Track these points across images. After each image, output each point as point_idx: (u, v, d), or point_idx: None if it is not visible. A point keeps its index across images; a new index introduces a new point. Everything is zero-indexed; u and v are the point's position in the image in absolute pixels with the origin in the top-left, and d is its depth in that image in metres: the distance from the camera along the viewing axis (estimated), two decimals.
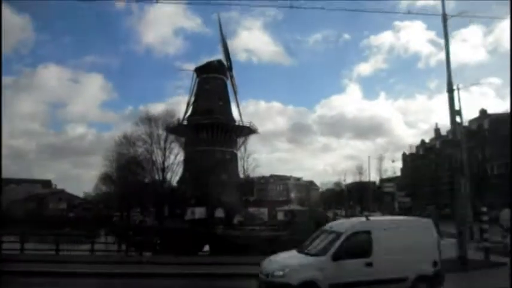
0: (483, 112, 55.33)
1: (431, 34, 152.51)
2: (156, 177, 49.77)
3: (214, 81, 61.62)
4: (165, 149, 49.87)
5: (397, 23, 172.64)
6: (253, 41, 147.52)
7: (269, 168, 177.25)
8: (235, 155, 62.25)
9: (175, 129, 57.39)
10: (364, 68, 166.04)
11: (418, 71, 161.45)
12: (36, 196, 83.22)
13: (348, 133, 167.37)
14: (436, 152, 67.73)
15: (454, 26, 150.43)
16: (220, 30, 61.41)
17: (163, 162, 50.09)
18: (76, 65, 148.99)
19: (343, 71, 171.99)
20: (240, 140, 63.53)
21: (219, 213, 44.84)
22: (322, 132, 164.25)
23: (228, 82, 63.65)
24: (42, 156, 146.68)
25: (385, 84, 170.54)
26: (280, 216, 44.03)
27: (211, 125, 57.96)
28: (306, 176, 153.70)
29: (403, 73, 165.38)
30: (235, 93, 63.42)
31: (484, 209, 14.44)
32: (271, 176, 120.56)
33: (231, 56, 63.10)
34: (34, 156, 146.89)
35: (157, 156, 49.63)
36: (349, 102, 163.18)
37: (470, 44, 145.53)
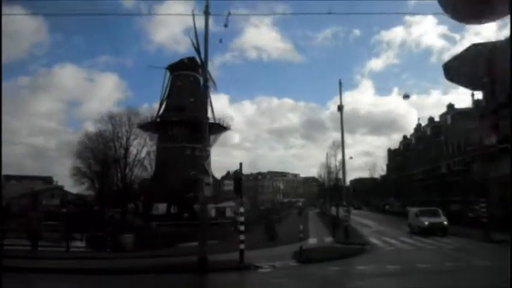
0: (450, 106, 54.02)
1: (443, 28, 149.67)
2: (119, 174, 51.05)
3: (186, 78, 62.59)
4: (126, 146, 50.95)
5: (407, 18, 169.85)
6: (262, 38, 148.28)
7: (283, 165, 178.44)
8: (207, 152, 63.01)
9: (148, 127, 59.17)
10: (376, 64, 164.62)
11: (431, 65, 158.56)
12: (31, 192, 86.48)
13: (362, 129, 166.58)
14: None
15: None
16: (194, 26, 62.20)
17: (125, 158, 51.22)
18: (91, 65, 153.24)
19: (355, 67, 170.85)
20: (214, 137, 64.54)
21: (174, 209, 45.94)
22: (335, 128, 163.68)
23: (201, 79, 64.42)
24: (61, 154, 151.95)
25: (398, 79, 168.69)
26: (229, 212, 44.76)
27: (180, 122, 59.01)
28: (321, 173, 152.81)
29: (415, 68, 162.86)
30: (206, 90, 64.07)
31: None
32: (269, 173, 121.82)
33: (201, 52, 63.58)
34: (54, 154, 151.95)
35: (120, 153, 50.82)
36: (362, 98, 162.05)
37: (483, 38, 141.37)
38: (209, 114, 63.02)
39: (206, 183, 13.92)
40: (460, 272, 11.57)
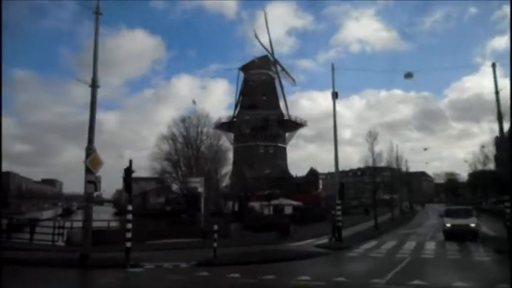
0: None
1: None
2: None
3: (258, 77, 63.00)
4: (197, 147, 53.33)
5: None
6: (364, 30, 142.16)
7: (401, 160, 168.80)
8: (281, 149, 62.66)
9: (224, 127, 61.35)
10: (500, 43, 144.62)
11: None
12: (142, 191, 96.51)
13: (488, 116, 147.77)
14: None
15: None
16: (267, 26, 62.67)
17: (196, 159, 53.56)
18: (203, 73, 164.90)
19: (474, 49, 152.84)
20: (289, 134, 63.95)
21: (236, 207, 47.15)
22: (455, 118, 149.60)
23: (276, 77, 64.30)
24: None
25: None
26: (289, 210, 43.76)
27: (254, 121, 59.67)
28: (443, 167, 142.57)
29: None
30: (281, 87, 63.89)
31: None
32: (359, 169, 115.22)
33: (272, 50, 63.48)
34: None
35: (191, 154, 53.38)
36: (485, 82, 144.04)
37: None
38: (284, 112, 63.15)
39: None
40: None
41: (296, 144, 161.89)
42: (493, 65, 19.93)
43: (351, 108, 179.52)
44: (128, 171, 13.30)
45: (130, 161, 13.41)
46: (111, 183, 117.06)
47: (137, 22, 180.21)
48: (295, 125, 62.54)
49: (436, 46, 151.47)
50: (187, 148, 52.94)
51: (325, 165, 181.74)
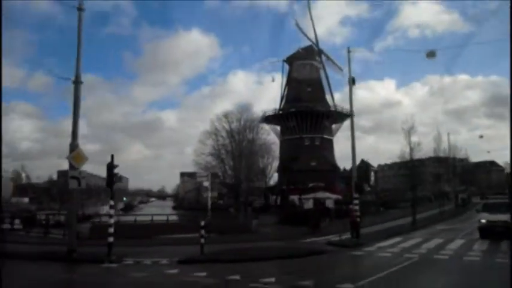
0: None
1: None
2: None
3: (302, 68, 61.34)
4: (240, 141, 53.38)
5: None
6: (422, 13, 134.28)
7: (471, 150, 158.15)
8: (328, 141, 60.70)
9: (269, 120, 60.67)
10: None
11: None
12: (196, 187, 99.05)
13: None
14: None
15: None
16: (310, 15, 60.95)
17: (239, 153, 53.66)
18: (259, 68, 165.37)
19: None
20: (337, 126, 61.74)
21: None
22: None
23: (321, 67, 62.25)
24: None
25: None
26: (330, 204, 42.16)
27: (298, 113, 58.31)
28: None
29: None
30: (327, 77, 61.82)
31: None
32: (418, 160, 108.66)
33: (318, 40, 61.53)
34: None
35: (233, 148, 53.61)
36: None
37: None
38: (330, 102, 61.02)
39: None
40: None
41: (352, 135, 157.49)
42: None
43: (411, 96, 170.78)
44: (110, 166, 13.07)
45: (112, 156, 13.19)
46: (173, 179, 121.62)
47: (192, 22, 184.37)
48: (342, 116, 60.11)
49: (505, 25, 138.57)
50: (231, 142, 52.99)
51: (384, 156, 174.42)
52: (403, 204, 51.51)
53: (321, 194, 42.28)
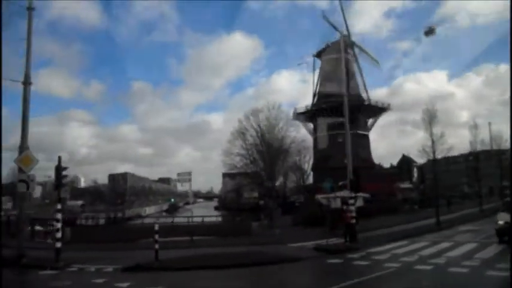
0: None
1: None
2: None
3: (333, 62, 59.01)
4: (268, 138, 52.17)
5: None
6: (473, 1, 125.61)
7: None
8: (363, 137, 57.92)
9: (301, 117, 59.02)
10: None
11: None
12: (235, 187, 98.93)
13: None
14: None
15: None
16: (341, 6, 58.80)
17: (268, 152, 52.49)
18: (302, 67, 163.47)
19: None
20: (372, 120, 58.84)
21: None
22: None
23: (354, 60, 59.67)
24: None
25: None
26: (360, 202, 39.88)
27: (330, 109, 56.20)
28: None
29: None
30: (360, 70, 59.13)
31: None
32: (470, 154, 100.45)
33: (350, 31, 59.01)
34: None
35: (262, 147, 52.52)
36: None
37: None
38: (364, 96, 58.23)
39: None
40: None
41: (403, 130, 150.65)
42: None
43: (465, 87, 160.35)
44: (58, 169, 12.48)
45: (59, 158, 12.58)
46: (219, 180, 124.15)
47: (234, 25, 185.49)
48: (377, 110, 57.16)
49: None
50: (260, 142, 51.77)
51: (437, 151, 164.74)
52: (441, 201, 47.92)
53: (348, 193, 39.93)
